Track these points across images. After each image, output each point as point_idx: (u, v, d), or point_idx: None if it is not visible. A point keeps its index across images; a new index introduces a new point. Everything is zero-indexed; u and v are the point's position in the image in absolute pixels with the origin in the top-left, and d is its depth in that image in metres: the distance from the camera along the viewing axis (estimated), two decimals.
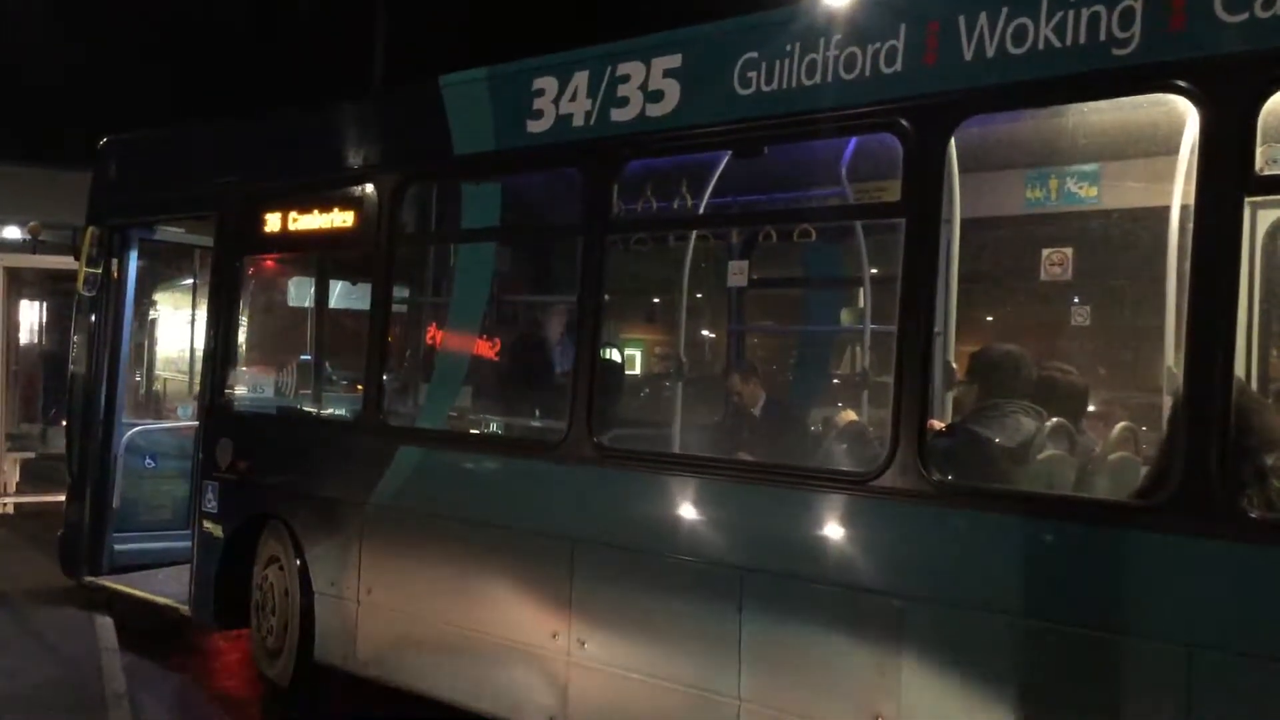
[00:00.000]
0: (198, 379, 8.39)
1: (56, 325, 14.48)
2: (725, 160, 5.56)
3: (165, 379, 11.55)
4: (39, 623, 8.08)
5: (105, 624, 7.94)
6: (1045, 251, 4.65)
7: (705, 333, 7.84)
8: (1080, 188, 5.36)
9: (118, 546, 8.48)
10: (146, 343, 10.95)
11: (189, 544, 7.65)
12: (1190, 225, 3.88)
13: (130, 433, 8.60)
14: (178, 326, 11.06)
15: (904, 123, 4.49)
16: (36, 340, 15.38)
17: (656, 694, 5.08)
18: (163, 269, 10.38)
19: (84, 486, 8.52)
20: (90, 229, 8.57)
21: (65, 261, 10.82)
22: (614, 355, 7.17)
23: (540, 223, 7.33)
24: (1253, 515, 3.69)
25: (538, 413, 7.12)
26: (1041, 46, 4.13)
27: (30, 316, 15.08)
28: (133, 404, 9.17)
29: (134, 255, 8.61)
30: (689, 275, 6.35)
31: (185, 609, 7.57)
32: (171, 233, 8.99)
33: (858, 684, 4.46)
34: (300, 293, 9.19)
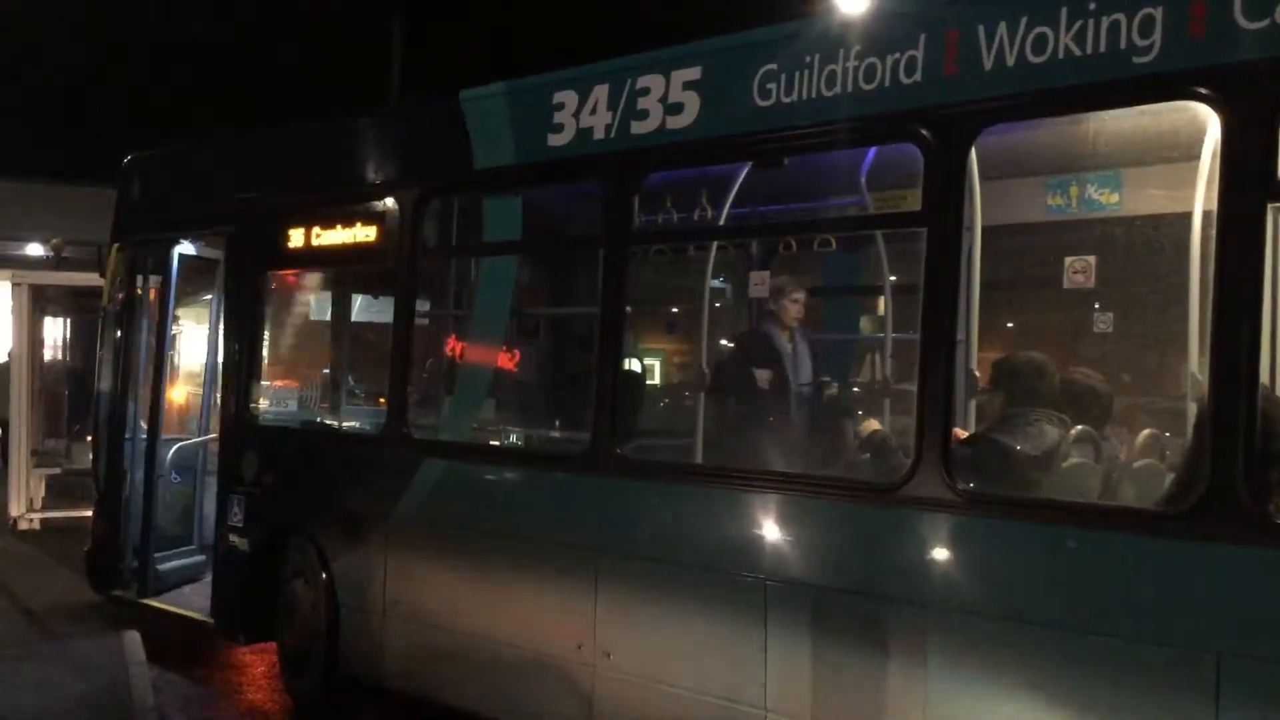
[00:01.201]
0: (218, 393, 8.36)
1: (80, 341, 14.53)
2: (745, 171, 5.58)
3: (187, 393, 11.58)
4: (67, 637, 8.14)
5: (133, 638, 7.98)
6: (1068, 260, 4.63)
7: (726, 343, 7.84)
8: (1101, 194, 5.34)
9: (160, 566, 8.25)
10: (170, 357, 10.95)
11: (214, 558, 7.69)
12: (1213, 231, 3.87)
13: (171, 450, 8.37)
14: (200, 341, 11.09)
15: (924, 132, 4.49)
16: (60, 356, 15.44)
17: (682, 705, 5.09)
18: (188, 284, 10.39)
19: (111, 502, 8.51)
20: (116, 245, 8.64)
21: (89, 278, 10.88)
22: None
23: (561, 235, 7.35)
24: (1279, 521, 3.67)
25: (560, 424, 7.14)
26: (1061, 55, 4.13)
27: (54, 333, 15.14)
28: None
29: (165, 270, 8.55)
30: (709, 285, 6.36)
31: (212, 622, 7.61)
32: (198, 248, 9.00)
33: (884, 694, 4.46)
34: (322, 306, 9.20)
